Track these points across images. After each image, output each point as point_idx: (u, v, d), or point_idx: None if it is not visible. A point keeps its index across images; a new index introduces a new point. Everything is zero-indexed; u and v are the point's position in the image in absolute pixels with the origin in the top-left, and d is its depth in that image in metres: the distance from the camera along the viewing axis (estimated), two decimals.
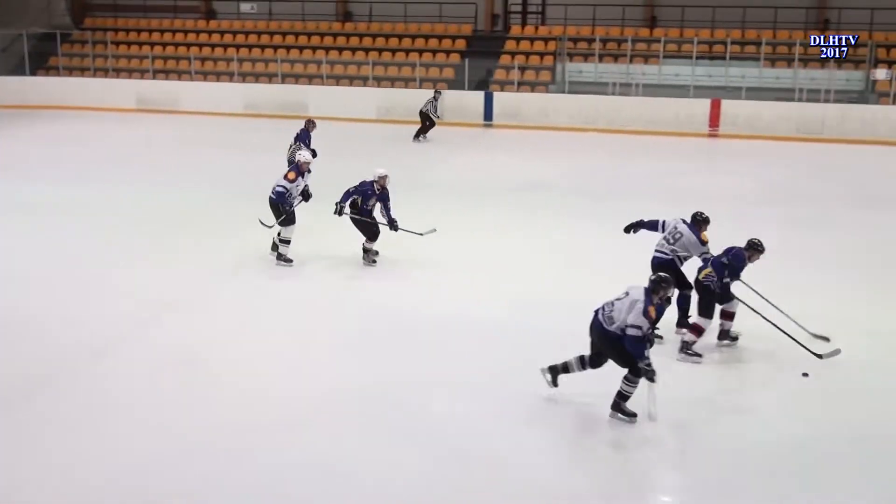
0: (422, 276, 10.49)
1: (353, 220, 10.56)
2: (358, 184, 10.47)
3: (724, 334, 8.45)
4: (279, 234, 10.73)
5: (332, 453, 6.34)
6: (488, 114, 23.26)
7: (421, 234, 10.72)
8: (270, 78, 26.19)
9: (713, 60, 23.85)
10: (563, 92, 23.88)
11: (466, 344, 8.42)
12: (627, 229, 9.11)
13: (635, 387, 6.73)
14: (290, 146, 14.90)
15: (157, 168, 17.38)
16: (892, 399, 7.43)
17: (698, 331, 8.13)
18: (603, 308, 6.82)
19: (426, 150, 19.19)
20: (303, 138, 14.88)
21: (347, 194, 10.38)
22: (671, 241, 8.58)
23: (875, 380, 7.78)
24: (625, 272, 7.74)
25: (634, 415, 6.76)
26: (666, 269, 8.13)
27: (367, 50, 26.47)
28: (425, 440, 6.55)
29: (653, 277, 6.88)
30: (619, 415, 6.82)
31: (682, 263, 8.59)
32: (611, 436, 6.75)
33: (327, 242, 11.36)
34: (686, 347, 8.13)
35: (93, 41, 28.13)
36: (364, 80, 25.47)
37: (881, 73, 21.95)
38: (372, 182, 10.43)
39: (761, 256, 8.23)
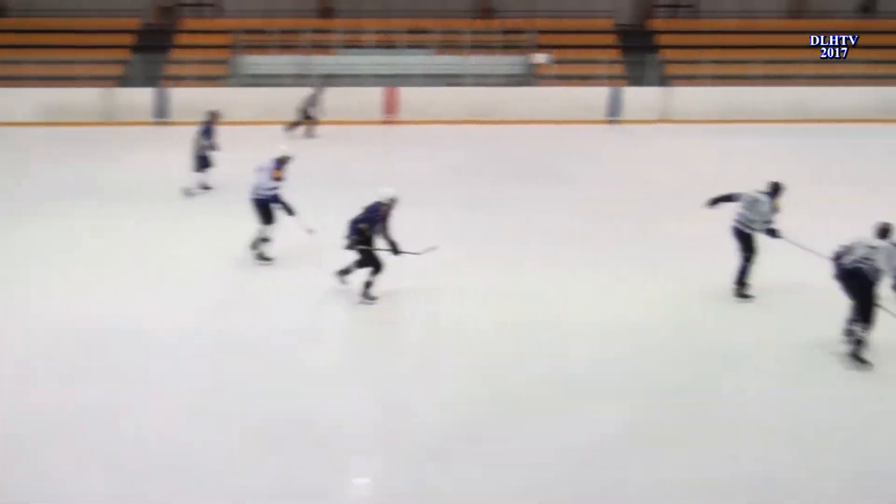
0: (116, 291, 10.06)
1: (362, 252, 9.54)
2: (365, 210, 9.50)
3: None
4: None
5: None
6: (161, 110, 22.25)
7: (419, 254, 9.79)
8: None
9: (389, 49, 24.42)
10: (242, 85, 23.44)
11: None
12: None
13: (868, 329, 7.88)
14: (197, 142, 14.28)
15: None
16: None
17: None
18: (851, 258, 7.94)
19: (93, 151, 17.98)
20: (205, 132, 14.25)
21: (356, 223, 9.43)
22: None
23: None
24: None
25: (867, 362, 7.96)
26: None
27: (24, 47, 24.39)
28: (139, 461, 6.40)
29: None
30: (858, 361, 8.00)
31: None
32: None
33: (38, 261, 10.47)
34: None
35: None
36: (22, 80, 23.40)
37: (540, 58, 23.55)
38: (379, 204, 9.49)
39: None
